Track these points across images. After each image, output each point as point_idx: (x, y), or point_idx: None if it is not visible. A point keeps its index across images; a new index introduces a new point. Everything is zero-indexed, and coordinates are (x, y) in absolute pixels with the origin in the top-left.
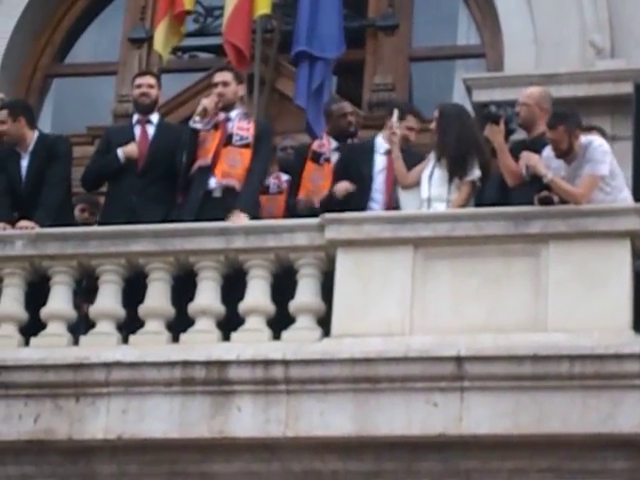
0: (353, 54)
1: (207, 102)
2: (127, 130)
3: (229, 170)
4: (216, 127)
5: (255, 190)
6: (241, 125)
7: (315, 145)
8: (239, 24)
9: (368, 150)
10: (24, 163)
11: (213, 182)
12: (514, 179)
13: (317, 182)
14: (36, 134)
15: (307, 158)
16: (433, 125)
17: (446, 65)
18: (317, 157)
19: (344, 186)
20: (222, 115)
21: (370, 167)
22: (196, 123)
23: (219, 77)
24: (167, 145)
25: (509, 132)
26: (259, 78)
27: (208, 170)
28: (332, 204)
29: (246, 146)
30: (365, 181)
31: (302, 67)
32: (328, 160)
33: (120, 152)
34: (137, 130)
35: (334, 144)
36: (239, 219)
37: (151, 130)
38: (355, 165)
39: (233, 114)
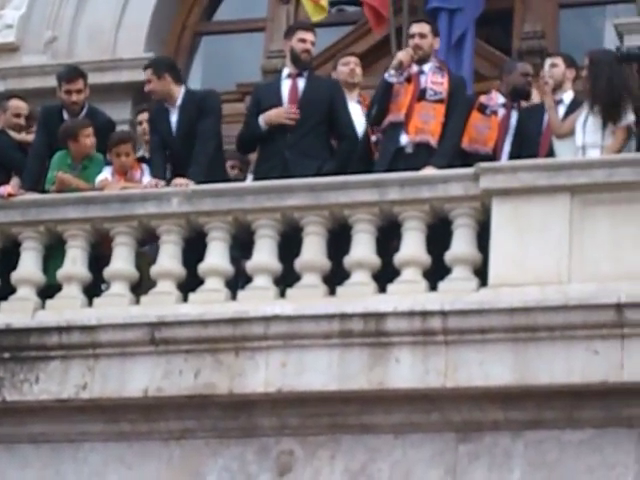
0: (501, 2)
1: (403, 55)
2: (275, 86)
3: (422, 126)
4: (409, 80)
5: (453, 147)
6: (435, 79)
7: (483, 98)
8: None
9: (539, 110)
10: (173, 118)
11: (405, 139)
12: None
13: (482, 131)
14: (183, 89)
15: (473, 108)
16: (584, 72)
17: (596, 11)
18: (483, 108)
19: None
20: (415, 68)
21: (540, 127)
22: (391, 77)
23: (416, 28)
24: (318, 98)
25: None
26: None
27: (400, 126)
28: None
29: (440, 101)
30: (533, 141)
31: (441, 21)
32: (495, 113)
33: (261, 120)
34: (287, 84)
35: (501, 99)
36: None
37: (301, 84)
38: (526, 125)
39: (426, 67)
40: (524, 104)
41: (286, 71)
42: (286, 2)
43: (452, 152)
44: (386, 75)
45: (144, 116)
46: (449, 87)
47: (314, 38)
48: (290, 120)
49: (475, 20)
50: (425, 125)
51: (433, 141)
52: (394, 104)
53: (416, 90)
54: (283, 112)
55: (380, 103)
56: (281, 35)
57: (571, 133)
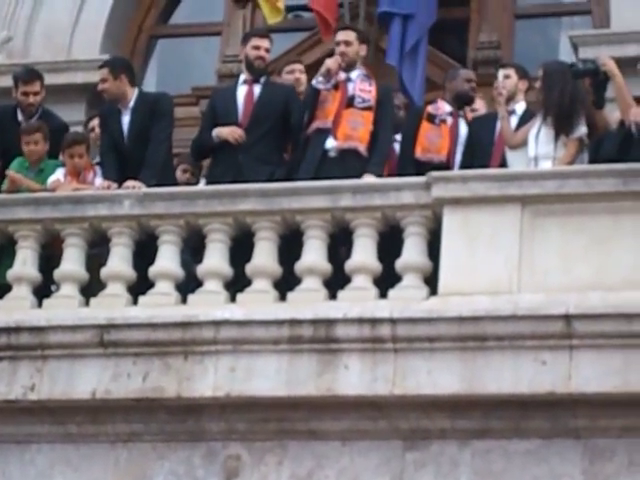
0: (457, 12)
1: (331, 63)
2: (231, 92)
3: (351, 132)
4: (336, 87)
5: (384, 155)
6: (363, 87)
7: (430, 108)
8: None
9: (491, 121)
10: (125, 119)
11: (331, 143)
12: None
13: (434, 140)
14: (136, 91)
15: (422, 118)
16: (538, 84)
17: (552, 22)
18: (432, 118)
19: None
20: (342, 75)
21: (492, 137)
22: (319, 83)
23: (341, 36)
24: (273, 104)
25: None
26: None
27: (327, 131)
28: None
29: (368, 109)
30: (486, 151)
31: (394, 27)
32: (444, 121)
33: (215, 134)
34: (243, 90)
35: (448, 108)
36: None
37: (257, 89)
38: (478, 135)
39: (354, 75)
40: (470, 113)
41: (242, 77)
42: (243, 7)
43: (384, 161)
44: (314, 82)
45: (95, 122)
46: (377, 95)
47: (269, 45)
48: (235, 142)
49: (430, 29)
50: (354, 132)
51: (362, 148)
52: (321, 110)
53: (344, 97)
54: (235, 132)
55: (310, 110)
56: (237, 39)
57: (523, 144)
